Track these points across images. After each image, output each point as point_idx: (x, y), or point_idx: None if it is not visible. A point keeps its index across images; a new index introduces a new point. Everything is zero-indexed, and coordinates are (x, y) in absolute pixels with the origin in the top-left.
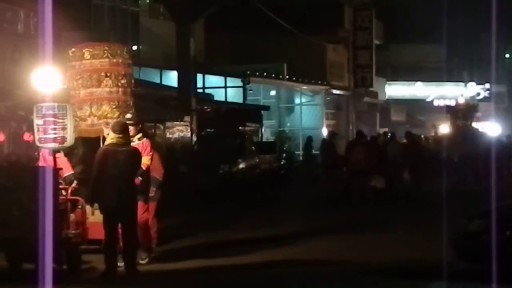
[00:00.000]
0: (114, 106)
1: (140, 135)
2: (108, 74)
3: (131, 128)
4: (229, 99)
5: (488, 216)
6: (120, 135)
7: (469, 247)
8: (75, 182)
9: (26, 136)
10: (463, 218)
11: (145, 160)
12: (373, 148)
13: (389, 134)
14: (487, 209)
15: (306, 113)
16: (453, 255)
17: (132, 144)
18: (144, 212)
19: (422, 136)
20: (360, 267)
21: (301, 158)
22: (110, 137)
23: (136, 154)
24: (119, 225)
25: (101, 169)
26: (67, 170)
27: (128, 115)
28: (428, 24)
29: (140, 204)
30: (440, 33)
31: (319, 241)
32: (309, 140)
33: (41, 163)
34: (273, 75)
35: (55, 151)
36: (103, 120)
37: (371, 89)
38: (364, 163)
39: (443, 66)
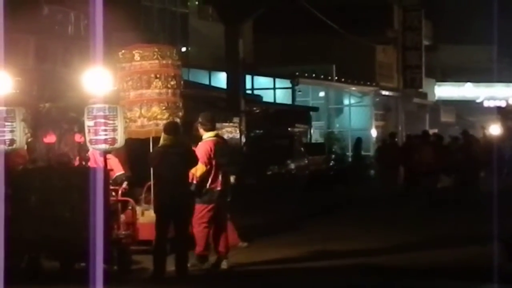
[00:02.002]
0: (163, 108)
1: (207, 135)
2: (158, 76)
3: (200, 129)
4: (277, 100)
5: None
6: (172, 136)
7: None
8: (125, 183)
9: (77, 138)
10: None
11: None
12: (441, 148)
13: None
14: None
15: (355, 114)
16: (505, 257)
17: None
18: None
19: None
20: (411, 266)
21: (350, 159)
22: (163, 138)
23: (188, 155)
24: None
25: (155, 171)
26: (118, 170)
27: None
28: (477, 24)
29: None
30: (490, 33)
31: (375, 240)
32: (358, 141)
33: (91, 164)
34: (322, 76)
35: (105, 152)
36: (153, 121)
37: (420, 90)
38: (433, 164)
39: (494, 66)
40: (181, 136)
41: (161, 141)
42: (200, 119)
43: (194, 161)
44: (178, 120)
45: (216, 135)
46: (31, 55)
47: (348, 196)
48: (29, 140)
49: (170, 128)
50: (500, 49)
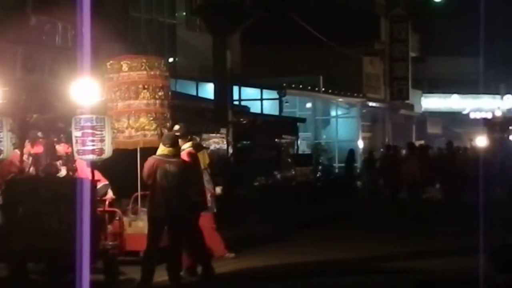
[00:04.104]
0: (151, 118)
1: (186, 145)
2: (146, 86)
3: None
4: (265, 111)
5: None
6: (170, 148)
7: (508, 259)
8: (110, 193)
9: (65, 148)
10: (501, 231)
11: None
12: (427, 160)
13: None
14: None
15: (342, 126)
16: (492, 268)
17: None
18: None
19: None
20: (397, 279)
21: (336, 170)
22: (161, 149)
23: (185, 166)
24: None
25: (149, 178)
26: (101, 182)
27: (176, 127)
28: (464, 36)
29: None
30: (476, 46)
31: (363, 252)
32: (351, 153)
33: (78, 175)
34: (309, 87)
35: (93, 163)
36: (141, 132)
37: (407, 101)
38: (419, 175)
39: (480, 78)
40: (178, 148)
41: (158, 151)
42: (180, 134)
43: (190, 171)
44: (165, 131)
45: (193, 146)
46: (19, 65)
47: (335, 208)
48: (16, 150)
49: (168, 140)
50: (486, 61)
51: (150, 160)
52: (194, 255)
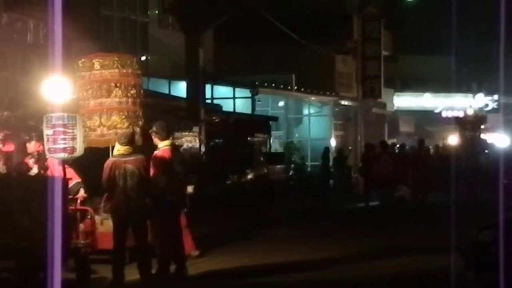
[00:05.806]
0: (123, 116)
1: (162, 144)
2: (118, 85)
3: (154, 138)
4: (237, 110)
5: (497, 227)
6: (126, 146)
7: (479, 257)
8: (82, 191)
9: (36, 146)
10: (472, 229)
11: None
12: (400, 158)
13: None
14: (496, 220)
15: (315, 124)
16: (463, 265)
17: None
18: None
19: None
20: (369, 277)
21: (308, 169)
22: (117, 148)
23: (142, 163)
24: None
25: (109, 181)
26: (73, 179)
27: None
28: (437, 35)
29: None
30: (449, 44)
31: (333, 250)
32: (326, 151)
33: (49, 173)
34: (282, 86)
35: (64, 161)
36: (113, 130)
37: (379, 100)
38: (391, 174)
39: (452, 77)
40: (136, 145)
41: (115, 151)
42: (154, 128)
43: (149, 170)
44: (138, 129)
45: (171, 144)
46: None
47: (307, 206)
48: None
49: (123, 138)
50: (458, 60)
51: (108, 163)
52: (169, 253)
